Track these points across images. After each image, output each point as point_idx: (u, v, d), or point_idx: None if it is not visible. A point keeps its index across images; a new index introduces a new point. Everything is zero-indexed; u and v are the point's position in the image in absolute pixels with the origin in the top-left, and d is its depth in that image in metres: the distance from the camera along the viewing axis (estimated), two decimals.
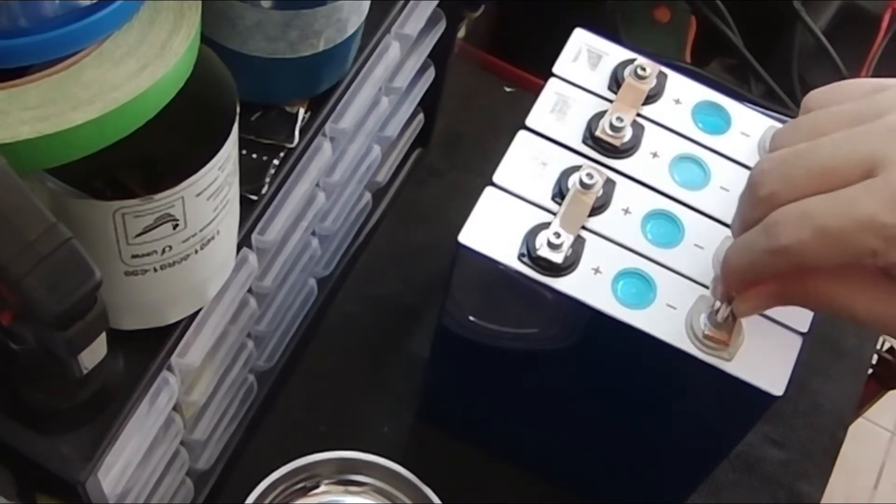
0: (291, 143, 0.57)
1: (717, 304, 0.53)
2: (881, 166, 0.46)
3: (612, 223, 0.56)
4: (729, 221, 0.57)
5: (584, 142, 0.58)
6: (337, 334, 0.75)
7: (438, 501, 0.64)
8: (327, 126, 0.59)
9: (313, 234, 0.66)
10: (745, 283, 0.51)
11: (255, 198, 0.55)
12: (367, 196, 0.74)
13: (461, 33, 0.77)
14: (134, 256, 0.46)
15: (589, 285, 0.54)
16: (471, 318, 0.61)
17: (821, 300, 0.50)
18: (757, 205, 0.49)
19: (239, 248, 0.54)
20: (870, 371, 0.86)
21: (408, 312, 0.77)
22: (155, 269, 0.47)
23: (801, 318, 0.55)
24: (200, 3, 0.48)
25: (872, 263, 0.47)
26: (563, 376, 0.62)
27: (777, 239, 0.47)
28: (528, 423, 0.68)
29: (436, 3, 0.67)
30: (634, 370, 0.57)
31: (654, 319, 0.54)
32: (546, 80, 0.61)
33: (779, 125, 0.59)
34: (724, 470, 0.74)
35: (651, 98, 0.60)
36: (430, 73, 0.73)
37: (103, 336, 0.43)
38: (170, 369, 0.52)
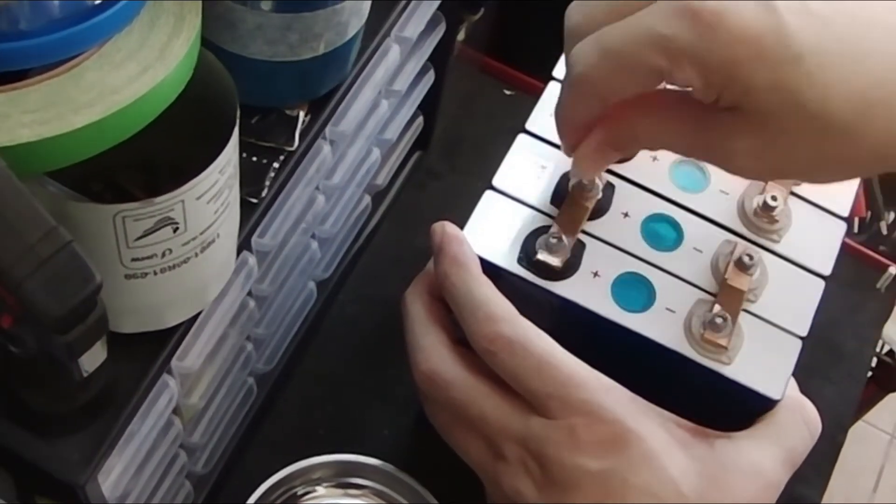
0: (291, 146, 0.57)
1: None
2: None
3: (612, 227, 0.56)
4: (729, 224, 0.57)
5: None
6: (336, 337, 0.75)
7: None
8: (327, 129, 0.59)
9: (313, 236, 0.66)
10: (577, 131, 0.51)
11: (255, 201, 0.55)
12: (367, 199, 0.74)
13: (461, 36, 0.77)
14: (134, 260, 0.46)
15: (588, 289, 0.54)
16: None
17: (645, 137, 0.50)
18: (567, 40, 0.49)
19: (239, 250, 0.54)
20: (869, 374, 0.86)
21: None
22: (155, 273, 0.47)
23: (800, 321, 0.55)
24: (201, 5, 0.48)
25: (664, 84, 0.46)
26: None
27: (573, 67, 0.47)
28: None
29: (436, 5, 0.67)
30: (633, 374, 0.57)
31: (653, 323, 0.54)
32: (546, 83, 0.60)
33: None
34: None
35: None
36: (430, 76, 0.73)
37: (103, 339, 0.43)
38: (169, 372, 0.52)
